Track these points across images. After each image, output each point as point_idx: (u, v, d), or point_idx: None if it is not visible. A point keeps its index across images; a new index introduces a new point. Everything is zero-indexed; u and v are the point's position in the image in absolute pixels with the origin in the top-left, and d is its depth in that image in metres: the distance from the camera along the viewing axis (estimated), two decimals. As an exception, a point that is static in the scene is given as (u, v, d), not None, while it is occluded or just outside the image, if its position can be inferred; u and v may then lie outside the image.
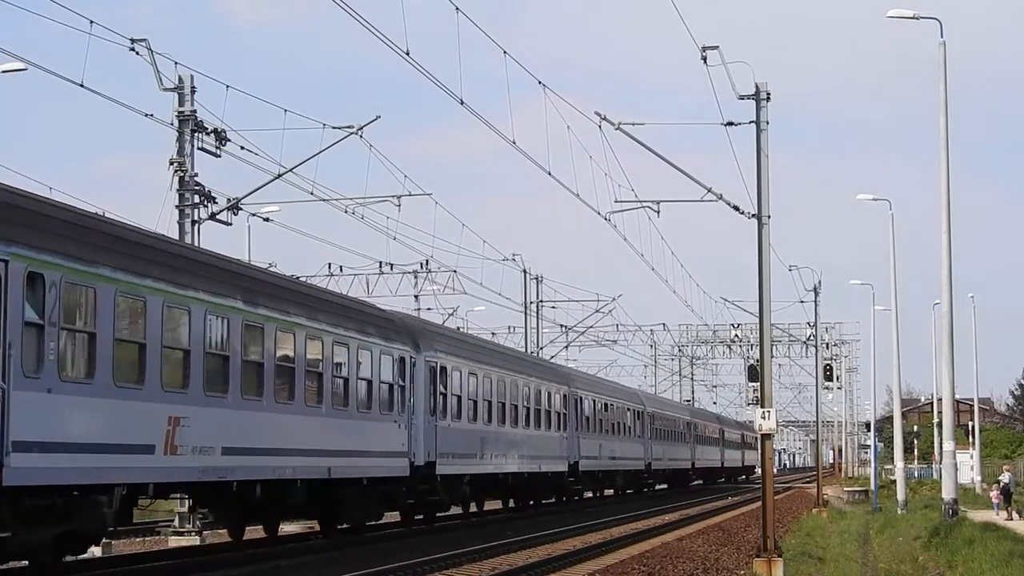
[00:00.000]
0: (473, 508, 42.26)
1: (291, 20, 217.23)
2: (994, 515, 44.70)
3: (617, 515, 41.53)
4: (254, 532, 30.42)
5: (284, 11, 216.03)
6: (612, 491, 61.51)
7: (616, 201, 31.11)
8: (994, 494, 48.76)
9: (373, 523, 31.98)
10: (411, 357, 31.17)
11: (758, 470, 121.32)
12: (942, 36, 34.47)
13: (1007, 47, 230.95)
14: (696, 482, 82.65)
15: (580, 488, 51.56)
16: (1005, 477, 48.62)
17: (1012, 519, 43.06)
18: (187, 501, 29.96)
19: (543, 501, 47.68)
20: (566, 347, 77.68)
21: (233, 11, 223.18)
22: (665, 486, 74.03)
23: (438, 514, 35.78)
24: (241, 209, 35.12)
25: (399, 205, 38.67)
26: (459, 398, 34.73)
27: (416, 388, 31.44)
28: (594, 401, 52.40)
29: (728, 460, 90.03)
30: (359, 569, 21.30)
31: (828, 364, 68.47)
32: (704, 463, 79.56)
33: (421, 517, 34.29)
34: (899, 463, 55.61)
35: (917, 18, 34.51)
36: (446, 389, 33.52)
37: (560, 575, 23.56)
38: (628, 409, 59.76)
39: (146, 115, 31.39)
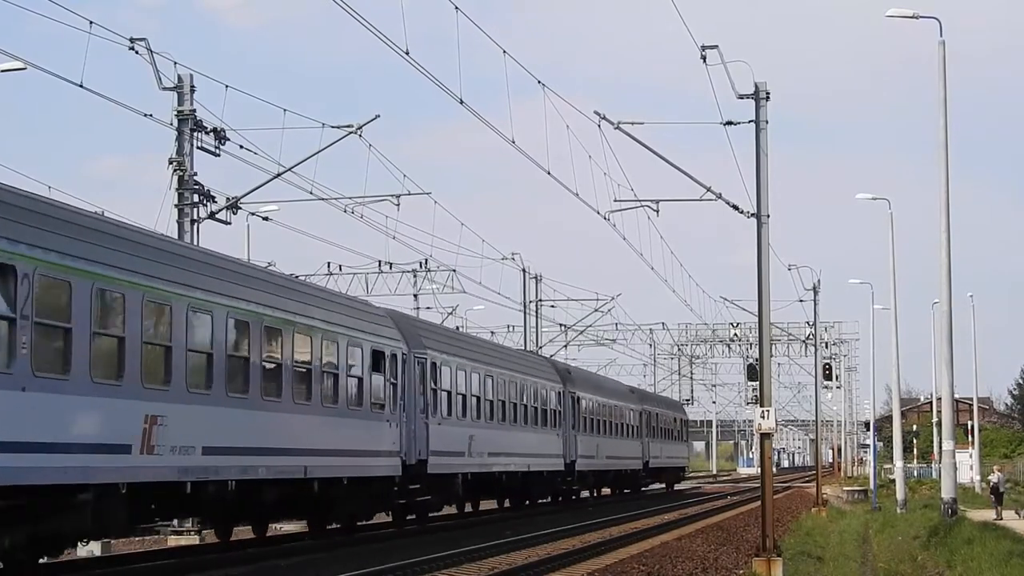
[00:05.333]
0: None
1: (291, 20, 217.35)
2: (993, 515, 44.74)
3: (616, 514, 41.53)
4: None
5: (284, 11, 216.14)
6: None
7: (615, 200, 31.16)
8: (994, 493, 48.91)
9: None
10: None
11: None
12: (941, 35, 34.47)
13: (1007, 47, 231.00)
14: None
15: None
16: (994, 477, 48.70)
17: (1002, 519, 43.05)
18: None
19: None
20: (565, 346, 77.69)
21: (230, 11, 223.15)
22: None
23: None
24: (240, 208, 35.09)
25: (398, 204, 38.60)
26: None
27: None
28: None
29: (621, 455, 57.06)
30: (357, 569, 21.30)
31: (827, 363, 68.45)
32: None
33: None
34: (898, 462, 55.62)
35: (916, 17, 34.46)
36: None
37: (560, 575, 23.56)
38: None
39: (145, 115, 31.39)
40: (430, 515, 35.00)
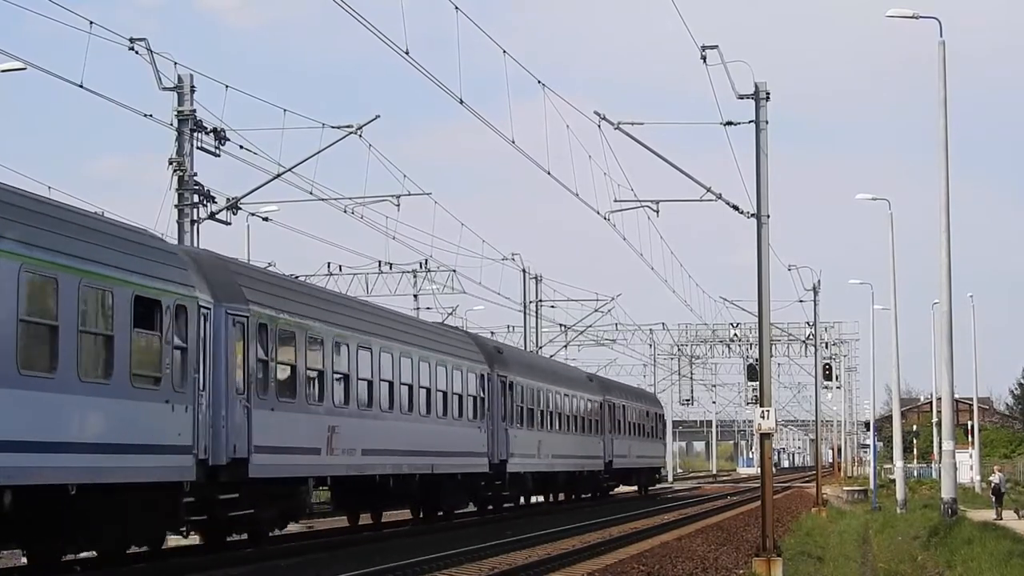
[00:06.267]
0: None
1: (291, 20, 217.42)
2: (992, 515, 44.80)
3: (615, 515, 41.52)
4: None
5: (284, 11, 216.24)
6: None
7: (615, 201, 31.20)
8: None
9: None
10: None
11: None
12: (941, 35, 34.54)
13: (1007, 47, 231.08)
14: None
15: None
16: (995, 477, 48.75)
17: (1002, 519, 43.10)
18: None
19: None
20: (565, 346, 77.75)
21: (230, 11, 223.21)
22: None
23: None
24: (240, 209, 35.09)
25: (398, 205, 38.61)
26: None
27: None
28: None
29: (573, 454, 49.20)
30: (357, 568, 21.32)
31: (827, 363, 68.52)
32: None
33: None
34: (898, 462, 55.70)
35: (916, 17, 34.53)
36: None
37: (560, 575, 23.58)
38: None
39: (145, 115, 31.40)
40: (271, 535, 26.64)
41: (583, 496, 54.39)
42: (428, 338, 34.38)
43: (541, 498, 49.99)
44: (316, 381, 26.62)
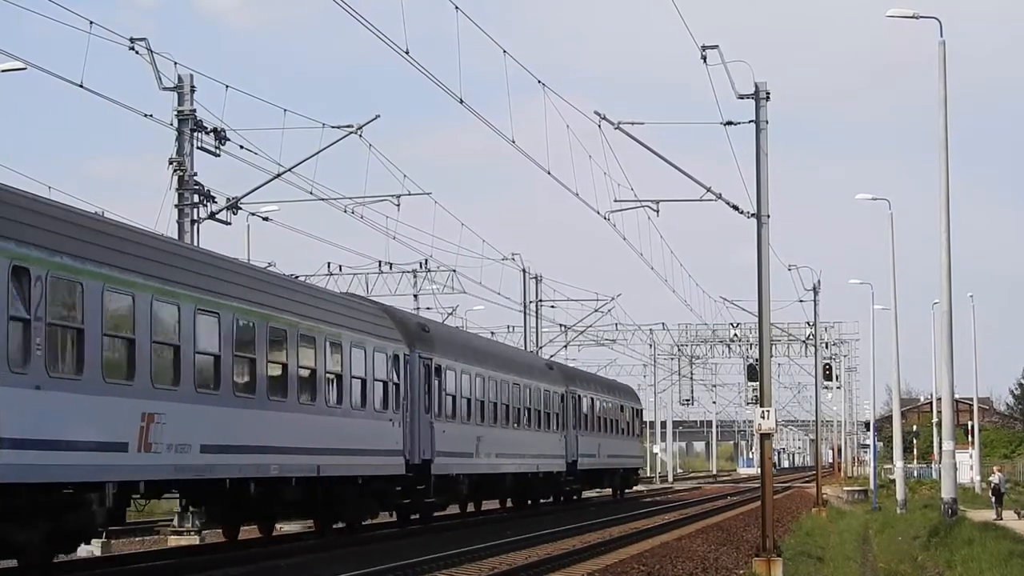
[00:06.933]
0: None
1: (291, 20, 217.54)
2: (992, 515, 44.83)
3: (616, 515, 41.49)
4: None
5: (284, 11, 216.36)
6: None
7: (615, 200, 31.24)
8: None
9: None
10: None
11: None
12: (941, 35, 34.56)
13: (1007, 47, 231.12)
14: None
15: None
16: (995, 477, 48.78)
17: (1002, 519, 43.11)
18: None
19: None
20: (565, 346, 77.75)
21: (230, 11, 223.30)
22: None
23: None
24: (240, 208, 35.11)
25: (398, 205, 38.63)
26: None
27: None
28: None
29: (525, 453, 42.20)
30: (358, 568, 21.32)
31: (827, 363, 68.57)
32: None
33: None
34: (898, 463, 55.74)
35: (917, 17, 34.55)
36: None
37: (560, 575, 23.58)
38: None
39: (145, 115, 31.40)
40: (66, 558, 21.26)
41: (542, 501, 47.08)
42: (314, 306, 27.16)
43: (497, 504, 44.44)
44: (122, 353, 19.57)
